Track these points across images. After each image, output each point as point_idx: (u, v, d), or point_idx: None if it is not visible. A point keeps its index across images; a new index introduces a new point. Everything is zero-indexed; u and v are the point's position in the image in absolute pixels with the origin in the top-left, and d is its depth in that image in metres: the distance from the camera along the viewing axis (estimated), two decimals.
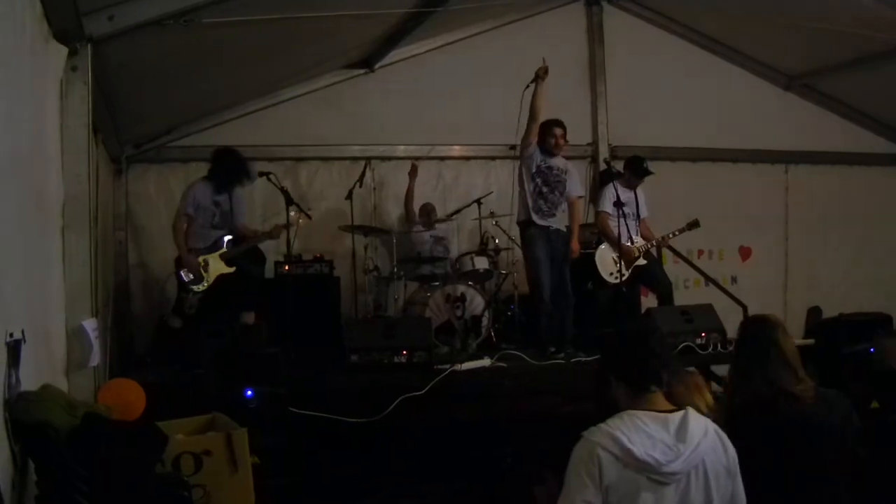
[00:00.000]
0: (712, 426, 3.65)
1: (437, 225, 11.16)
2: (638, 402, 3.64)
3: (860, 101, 13.47)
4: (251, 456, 5.39)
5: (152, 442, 4.39)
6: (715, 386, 9.99)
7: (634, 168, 10.20)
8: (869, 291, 12.63)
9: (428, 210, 11.21)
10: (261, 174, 9.45)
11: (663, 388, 3.68)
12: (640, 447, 3.44)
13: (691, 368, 6.12)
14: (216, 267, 8.79)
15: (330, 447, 7.33)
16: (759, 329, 4.76)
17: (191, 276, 8.77)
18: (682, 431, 3.52)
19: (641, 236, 10.03)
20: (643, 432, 3.50)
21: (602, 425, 3.57)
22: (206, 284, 8.78)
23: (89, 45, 6.11)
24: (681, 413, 3.60)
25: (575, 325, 9.73)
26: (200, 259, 8.76)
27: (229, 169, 8.98)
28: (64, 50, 5.84)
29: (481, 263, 10.48)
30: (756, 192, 13.17)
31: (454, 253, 11.23)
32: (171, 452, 4.91)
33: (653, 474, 3.44)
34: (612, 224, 9.75)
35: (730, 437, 3.73)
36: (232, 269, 8.87)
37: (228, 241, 8.98)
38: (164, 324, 9.60)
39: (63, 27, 5.67)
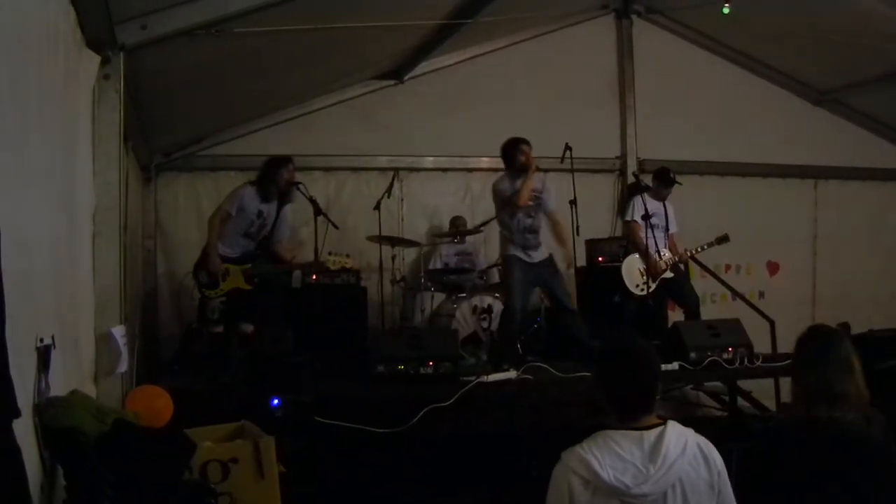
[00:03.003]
0: (694, 440, 3.57)
1: (466, 238, 11.15)
2: (622, 422, 3.60)
3: (890, 116, 13.39)
4: (277, 464, 5.40)
5: (180, 449, 4.41)
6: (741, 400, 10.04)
7: (662, 178, 10.23)
8: None
9: (458, 224, 11.20)
10: (288, 183, 9.46)
11: (652, 412, 3.65)
12: (610, 471, 3.40)
13: None
14: (235, 280, 8.68)
15: (355, 456, 7.34)
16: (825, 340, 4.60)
17: (207, 278, 8.73)
18: (655, 450, 3.46)
19: (669, 250, 10.02)
20: (615, 454, 3.46)
21: (577, 447, 3.55)
22: (217, 293, 8.71)
23: (122, 54, 6.16)
24: (658, 429, 3.54)
25: (601, 338, 9.72)
26: (224, 266, 8.67)
27: (270, 177, 8.85)
28: (96, 58, 5.87)
29: None
30: (785, 206, 13.10)
31: (481, 265, 11.20)
32: (198, 460, 4.93)
33: (624, 497, 3.41)
34: (642, 235, 9.73)
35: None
36: (248, 288, 8.73)
37: (259, 260, 8.89)
38: (191, 331, 9.62)
39: (96, 35, 5.71)
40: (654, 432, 3.53)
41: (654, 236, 9.69)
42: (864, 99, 13.05)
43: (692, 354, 8.73)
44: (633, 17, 12.68)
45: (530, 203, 9.23)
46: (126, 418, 4.52)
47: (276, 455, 5.40)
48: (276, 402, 7.12)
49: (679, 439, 3.53)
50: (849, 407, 4.18)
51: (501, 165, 11.81)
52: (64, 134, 4.90)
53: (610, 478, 3.40)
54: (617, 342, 3.91)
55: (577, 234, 9.81)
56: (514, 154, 9.33)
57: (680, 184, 10.26)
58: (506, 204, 9.25)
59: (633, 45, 12.68)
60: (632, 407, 3.60)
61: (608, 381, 3.70)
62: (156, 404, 5.84)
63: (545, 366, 8.64)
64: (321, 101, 11.31)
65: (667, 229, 10.10)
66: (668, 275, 9.92)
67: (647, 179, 10.52)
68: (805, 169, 13.22)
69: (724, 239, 10.09)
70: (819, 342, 4.44)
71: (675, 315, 10.61)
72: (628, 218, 10.19)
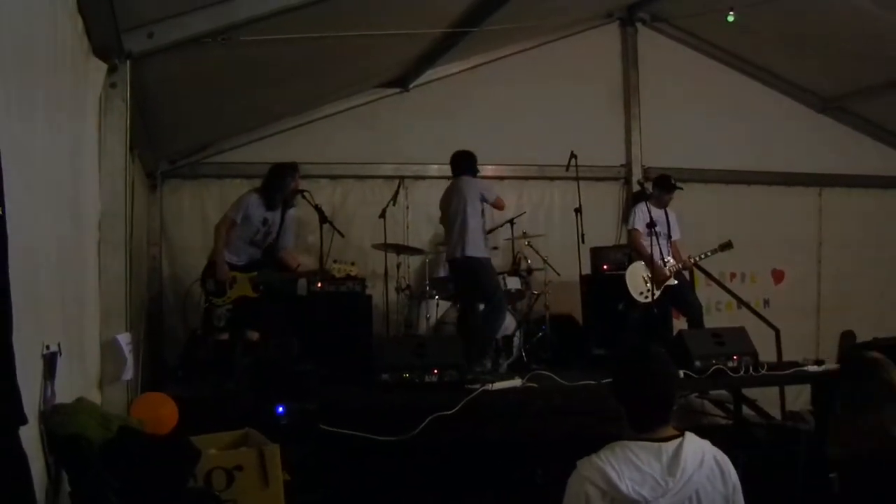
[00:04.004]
0: (711, 453, 3.57)
1: None
2: (638, 433, 3.60)
3: (895, 124, 13.40)
4: (282, 472, 5.40)
5: (185, 456, 4.41)
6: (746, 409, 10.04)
7: (662, 185, 10.24)
8: None
9: None
10: (294, 191, 9.45)
11: (668, 424, 3.63)
12: (629, 483, 3.39)
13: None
14: (242, 288, 8.67)
15: (360, 465, 7.34)
16: (868, 368, 4.57)
17: (214, 286, 8.73)
18: (674, 463, 3.45)
19: (672, 257, 10.02)
20: (634, 466, 3.45)
21: (594, 457, 3.54)
22: (224, 301, 8.71)
23: (128, 62, 6.17)
24: (676, 441, 3.53)
25: (606, 346, 9.76)
26: (231, 275, 8.68)
27: (276, 185, 8.87)
28: (103, 66, 5.89)
29: (513, 283, 10.47)
30: (789, 214, 13.10)
31: None
32: (203, 467, 4.93)
33: None
34: (645, 243, 9.73)
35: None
36: (255, 295, 8.72)
37: (264, 268, 8.89)
38: (196, 338, 9.61)
39: (103, 43, 5.72)
40: (672, 444, 3.52)
41: (659, 244, 9.68)
42: (869, 107, 13.06)
43: (697, 363, 8.71)
44: (638, 25, 12.70)
45: None
46: (131, 425, 4.52)
47: (281, 463, 5.40)
48: (281, 409, 7.12)
49: (696, 452, 3.52)
50: None
51: (506, 173, 11.88)
52: (70, 141, 4.92)
53: (629, 490, 3.38)
54: (634, 352, 3.89)
55: (583, 241, 9.85)
56: (475, 163, 9.76)
57: (681, 188, 10.27)
58: (496, 204, 9.79)
59: (637, 53, 12.70)
60: (648, 418, 3.60)
61: (625, 391, 3.70)
62: (160, 411, 5.83)
63: (550, 374, 8.64)
64: (327, 108, 11.33)
65: (669, 236, 10.09)
66: (672, 282, 9.91)
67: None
68: (810, 177, 13.23)
69: (727, 245, 10.08)
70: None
71: (680, 323, 10.60)
72: (630, 226, 10.19)
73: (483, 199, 9.53)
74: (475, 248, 9.43)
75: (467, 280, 9.69)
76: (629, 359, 3.82)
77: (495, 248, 10.93)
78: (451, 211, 9.57)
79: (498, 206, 9.90)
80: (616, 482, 3.40)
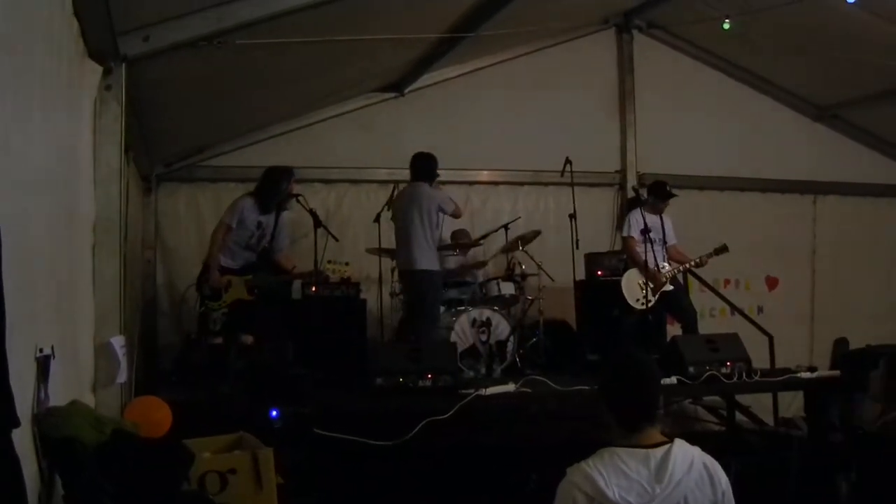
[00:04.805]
0: (700, 459, 3.57)
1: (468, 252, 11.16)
2: (626, 438, 3.61)
3: (890, 132, 13.43)
4: (276, 475, 5.40)
5: (179, 459, 4.40)
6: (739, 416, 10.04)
7: (658, 192, 10.23)
8: None
9: (459, 237, 11.16)
10: (289, 195, 9.45)
11: (655, 425, 3.65)
12: (616, 489, 3.40)
13: None
14: (237, 291, 8.68)
15: (354, 469, 7.33)
16: None
17: (210, 290, 8.73)
18: (661, 469, 3.46)
19: (674, 261, 10.03)
20: (621, 472, 3.45)
21: (582, 464, 3.55)
22: (220, 304, 8.71)
23: (124, 65, 6.15)
24: (664, 448, 3.53)
25: (600, 352, 9.76)
26: (226, 278, 8.70)
27: (272, 189, 8.88)
28: (99, 69, 5.87)
29: (507, 289, 10.47)
30: (784, 222, 13.12)
31: (481, 278, 11.19)
32: (197, 470, 4.92)
33: None
34: (639, 250, 9.73)
35: None
36: (250, 298, 8.76)
37: (260, 272, 8.90)
38: (190, 341, 9.61)
39: (99, 46, 5.71)
40: (660, 451, 3.52)
41: (654, 250, 9.68)
42: (863, 115, 13.10)
43: (691, 369, 8.70)
44: (634, 32, 12.73)
45: None
46: (125, 428, 4.51)
47: (275, 466, 5.39)
48: (274, 413, 7.11)
49: (685, 458, 3.52)
50: None
51: (501, 178, 11.87)
52: (65, 144, 4.91)
53: (615, 496, 3.39)
54: (618, 357, 3.93)
55: (577, 247, 9.85)
56: (434, 168, 9.76)
57: (676, 195, 10.27)
58: (455, 214, 9.91)
59: (633, 59, 12.72)
60: (634, 419, 3.61)
61: (611, 394, 3.73)
62: (154, 415, 5.82)
63: (544, 379, 8.64)
64: (322, 112, 11.33)
65: (664, 242, 10.10)
66: (668, 287, 9.91)
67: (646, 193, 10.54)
68: (804, 184, 13.28)
69: (722, 249, 10.05)
70: None
71: (675, 329, 10.61)
72: (625, 234, 10.19)
73: (441, 211, 9.61)
74: (429, 261, 9.53)
75: (413, 291, 9.79)
76: (613, 363, 3.86)
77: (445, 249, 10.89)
78: (406, 220, 9.62)
79: (457, 215, 10.03)
80: (603, 488, 3.41)
